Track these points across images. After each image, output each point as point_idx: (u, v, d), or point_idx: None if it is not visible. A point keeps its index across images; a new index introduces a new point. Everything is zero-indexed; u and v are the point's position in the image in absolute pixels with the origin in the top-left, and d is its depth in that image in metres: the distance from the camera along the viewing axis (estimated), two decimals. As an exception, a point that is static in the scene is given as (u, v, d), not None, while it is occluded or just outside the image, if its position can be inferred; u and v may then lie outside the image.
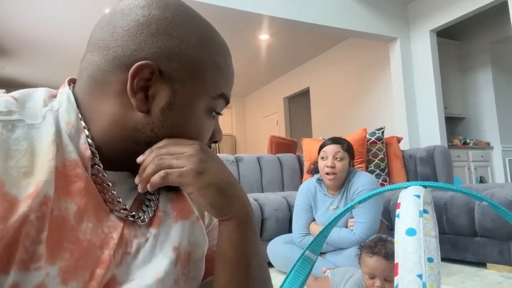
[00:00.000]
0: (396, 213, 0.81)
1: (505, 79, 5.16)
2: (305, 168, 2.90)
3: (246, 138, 9.00)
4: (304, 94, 6.90)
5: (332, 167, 1.85)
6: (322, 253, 1.90)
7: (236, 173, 2.92)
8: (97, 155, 0.46)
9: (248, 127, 8.97)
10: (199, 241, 0.53)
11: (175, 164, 0.45)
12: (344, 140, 1.97)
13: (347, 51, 5.79)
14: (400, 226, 0.79)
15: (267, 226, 2.18)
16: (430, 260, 0.81)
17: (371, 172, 2.94)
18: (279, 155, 3.23)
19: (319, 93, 6.42)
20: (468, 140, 5.16)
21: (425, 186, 0.86)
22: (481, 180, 5.00)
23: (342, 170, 1.87)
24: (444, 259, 2.09)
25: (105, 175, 0.46)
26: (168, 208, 0.52)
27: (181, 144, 0.47)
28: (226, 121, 9.01)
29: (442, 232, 2.10)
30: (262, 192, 2.98)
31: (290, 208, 2.24)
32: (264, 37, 5.37)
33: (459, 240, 2.06)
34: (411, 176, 3.17)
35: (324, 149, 1.92)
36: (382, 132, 3.07)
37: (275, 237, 2.14)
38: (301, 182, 2.97)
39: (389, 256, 1.24)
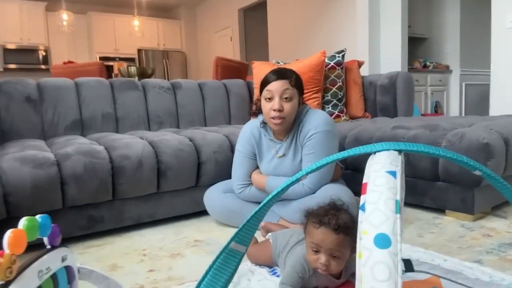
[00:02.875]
0: (361, 203, 0.51)
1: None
2: (255, 97, 2.52)
3: (197, 55, 8.28)
4: (261, 7, 6.21)
5: (279, 110, 1.47)
6: (266, 205, 1.62)
7: (173, 102, 2.48)
8: None
9: (200, 42, 8.20)
10: None
11: None
12: (291, 72, 1.54)
13: (309, -44, 5.08)
14: (368, 228, 0.48)
15: (205, 170, 1.85)
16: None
17: (327, 102, 2.63)
18: (225, 81, 2.79)
19: (277, 7, 5.77)
20: (428, 63, 4.94)
21: (400, 151, 0.59)
22: (436, 106, 4.92)
23: (292, 112, 1.50)
24: (400, 202, 1.91)
25: None
26: None
27: None
28: (175, 34, 8.15)
29: (400, 175, 1.89)
30: (205, 125, 2.60)
31: (232, 148, 1.90)
32: None
33: (418, 183, 1.86)
34: (370, 105, 2.90)
35: (268, 87, 1.50)
36: (343, 56, 2.69)
37: (214, 182, 1.83)
38: (251, 114, 2.61)
39: (340, 228, 0.97)
